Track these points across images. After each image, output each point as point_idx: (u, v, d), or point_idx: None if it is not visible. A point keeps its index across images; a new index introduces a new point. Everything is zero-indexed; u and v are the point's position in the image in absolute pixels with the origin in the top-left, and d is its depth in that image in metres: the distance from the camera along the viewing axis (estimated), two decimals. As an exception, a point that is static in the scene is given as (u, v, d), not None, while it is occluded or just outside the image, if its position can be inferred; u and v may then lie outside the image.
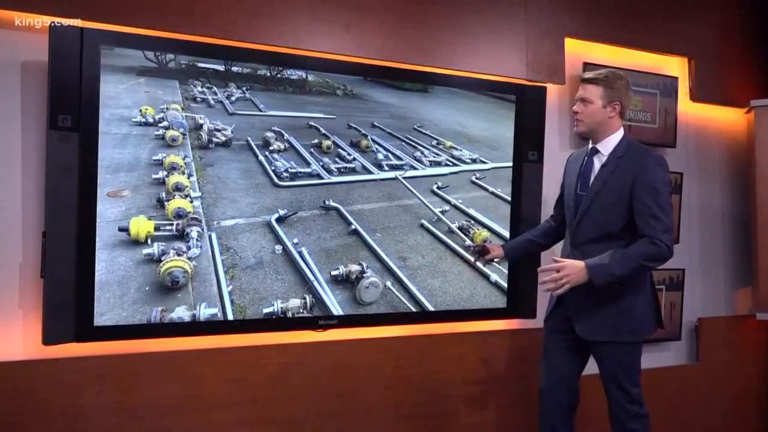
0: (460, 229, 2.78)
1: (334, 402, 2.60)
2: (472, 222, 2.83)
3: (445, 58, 2.83)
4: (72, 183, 2.12)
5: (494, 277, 2.84)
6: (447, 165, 2.80)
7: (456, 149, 2.80)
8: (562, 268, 2.00)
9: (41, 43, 2.11)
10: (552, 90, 3.02)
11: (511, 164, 2.87)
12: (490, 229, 2.84)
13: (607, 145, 2.15)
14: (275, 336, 2.50)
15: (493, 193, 2.87)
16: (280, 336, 2.51)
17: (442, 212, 2.78)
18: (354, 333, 2.63)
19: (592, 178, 2.14)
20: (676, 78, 3.39)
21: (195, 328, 2.33)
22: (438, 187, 2.79)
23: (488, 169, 2.86)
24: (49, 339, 2.09)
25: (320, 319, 2.52)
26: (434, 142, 2.77)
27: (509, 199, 2.88)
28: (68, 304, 2.11)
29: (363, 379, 2.65)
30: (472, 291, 2.79)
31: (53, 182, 2.09)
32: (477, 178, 2.85)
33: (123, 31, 2.23)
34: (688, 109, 3.50)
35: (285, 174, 2.50)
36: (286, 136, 2.50)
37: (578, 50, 3.19)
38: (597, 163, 2.16)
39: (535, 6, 3.06)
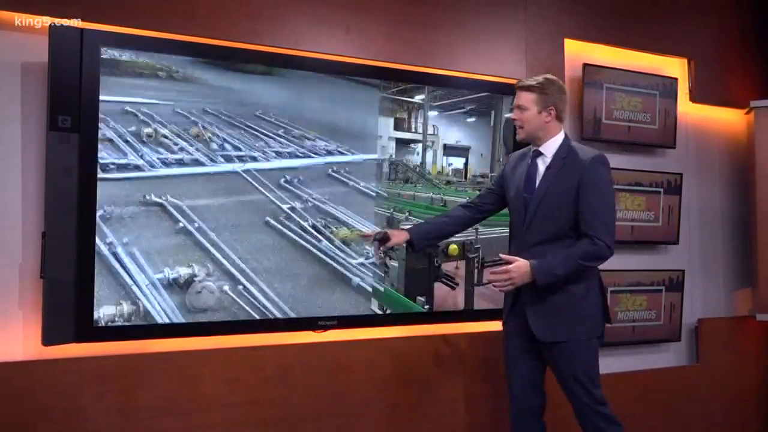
0: (315, 227, 2.54)
1: (332, 403, 2.59)
2: (330, 219, 2.57)
3: (444, 59, 2.83)
4: (72, 184, 2.12)
5: (356, 280, 2.60)
6: (299, 156, 2.52)
7: (308, 138, 2.53)
8: (508, 271, 2.06)
9: (41, 43, 2.11)
10: (551, 91, 3.01)
11: (376, 156, 2.65)
12: (351, 227, 2.59)
13: (549, 147, 2.17)
14: (274, 337, 2.50)
15: (355, 188, 2.60)
16: (278, 337, 2.51)
17: (291, 209, 2.50)
18: (353, 334, 2.63)
19: (537, 181, 2.17)
20: (676, 79, 3.39)
21: (194, 328, 2.34)
22: (286, 181, 2.51)
23: (347, 162, 2.59)
24: (48, 340, 2.09)
25: (320, 320, 2.52)
26: (282, 131, 2.50)
27: (373, 194, 2.64)
28: (68, 305, 2.12)
29: (361, 379, 2.65)
30: (330, 296, 2.55)
31: (53, 183, 2.10)
32: (334, 171, 2.59)
33: (123, 32, 2.24)
34: (687, 110, 3.50)
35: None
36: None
37: (578, 51, 3.19)
38: (541, 166, 2.18)
39: (534, 7, 3.07)
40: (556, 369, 2.15)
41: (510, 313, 2.23)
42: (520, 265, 2.06)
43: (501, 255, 2.14)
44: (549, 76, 2.19)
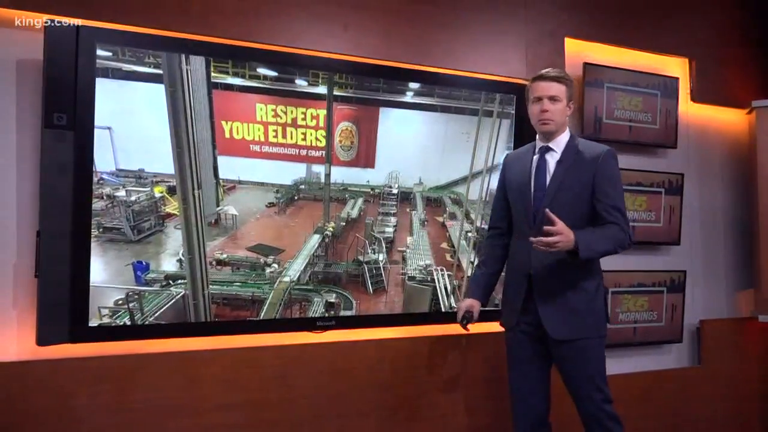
0: None
1: (332, 404, 2.57)
2: None
3: (444, 57, 2.81)
4: (67, 182, 2.10)
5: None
6: None
7: None
8: (558, 233, 1.95)
9: (37, 41, 2.09)
10: (552, 90, 3.00)
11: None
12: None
13: (560, 142, 2.16)
14: (272, 337, 2.48)
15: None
16: (277, 337, 2.49)
17: None
18: (352, 334, 2.61)
19: (548, 176, 2.14)
20: (677, 78, 3.37)
21: (191, 328, 2.31)
22: None
23: None
24: (43, 340, 2.07)
25: (318, 320, 2.50)
26: None
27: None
28: (62, 305, 2.09)
29: (361, 380, 2.62)
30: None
31: (48, 181, 2.08)
32: None
33: (118, 29, 2.22)
34: (689, 109, 3.48)
35: None
36: None
37: (578, 50, 3.17)
38: (551, 161, 2.15)
39: (535, 6, 3.05)
40: (568, 367, 2.12)
41: (520, 316, 2.19)
42: (568, 232, 1.96)
43: (547, 211, 1.99)
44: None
